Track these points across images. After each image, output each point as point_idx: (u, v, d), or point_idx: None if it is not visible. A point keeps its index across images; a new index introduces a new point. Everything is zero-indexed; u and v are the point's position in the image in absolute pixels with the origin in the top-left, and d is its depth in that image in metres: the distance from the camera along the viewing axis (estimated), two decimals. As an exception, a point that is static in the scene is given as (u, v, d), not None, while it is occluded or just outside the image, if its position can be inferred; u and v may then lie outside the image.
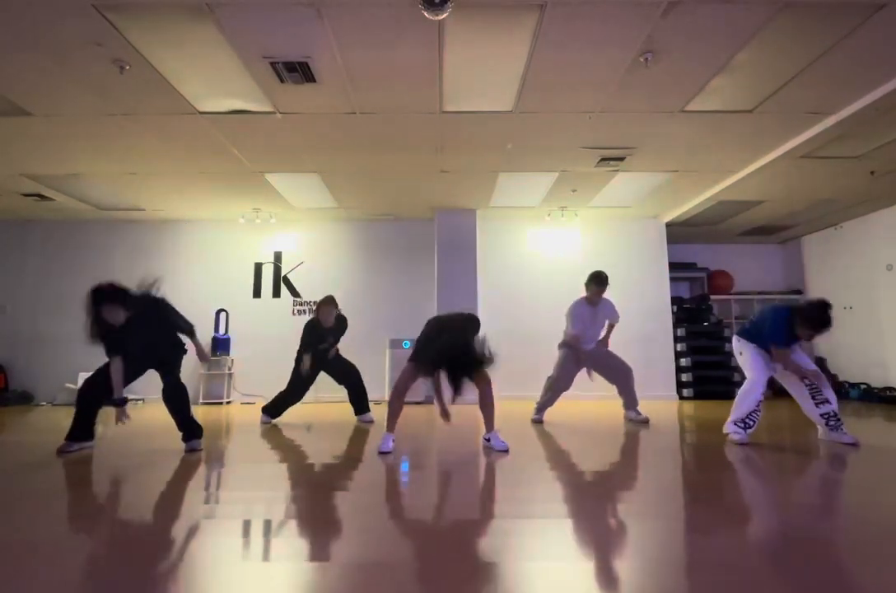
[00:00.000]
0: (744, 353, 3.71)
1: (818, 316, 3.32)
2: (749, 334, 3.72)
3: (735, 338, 3.81)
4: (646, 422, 4.57)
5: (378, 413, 5.58)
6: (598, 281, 4.65)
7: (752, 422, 3.53)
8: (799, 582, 1.39)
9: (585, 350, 4.63)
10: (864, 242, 6.85)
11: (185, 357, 3.53)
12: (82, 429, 3.35)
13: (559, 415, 4.86)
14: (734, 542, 1.70)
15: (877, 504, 2.15)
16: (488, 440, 3.36)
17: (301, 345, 4.71)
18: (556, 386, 4.67)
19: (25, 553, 1.61)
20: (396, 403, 3.33)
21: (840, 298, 7.16)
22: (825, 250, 7.55)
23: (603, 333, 4.77)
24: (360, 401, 4.82)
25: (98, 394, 3.34)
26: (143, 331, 3.23)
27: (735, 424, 3.56)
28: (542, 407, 4.73)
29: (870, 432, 4.31)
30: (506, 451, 3.21)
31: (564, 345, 4.71)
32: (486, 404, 3.34)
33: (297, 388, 4.73)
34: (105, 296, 3.09)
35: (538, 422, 4.65)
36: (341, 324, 4.82)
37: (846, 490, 2.52)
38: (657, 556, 1.59)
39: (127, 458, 3.18)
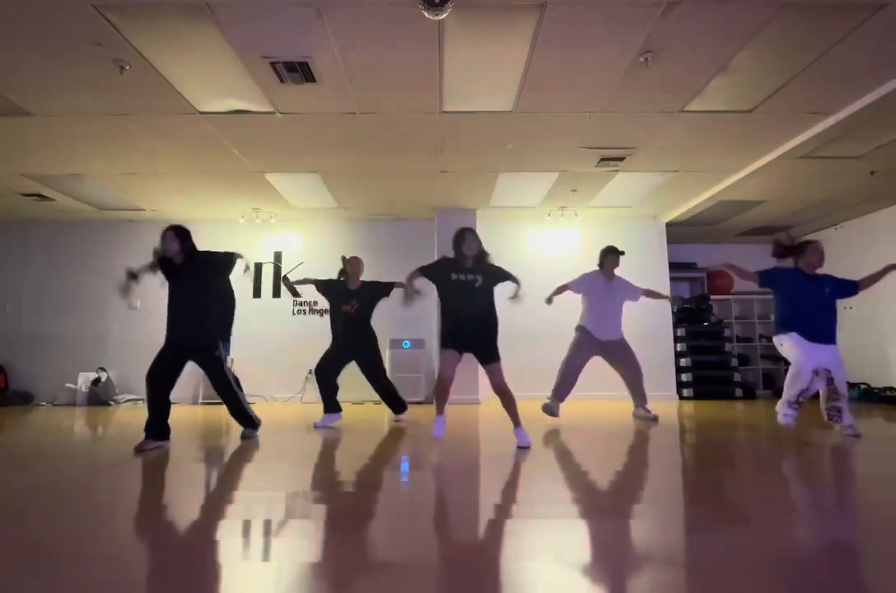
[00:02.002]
0: (784, 345, 3.71)
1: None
2: (778, 322, 3.78)
3: (775, 338, 3.84)
4: (654, 419, 4.53)
5: (378, 413, 5.59)
6: (614, 250, 4.73)
7: (801, 402, 3.55)
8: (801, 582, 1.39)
9: (600, 340, 4.56)
10: (864, 242, 6.84)
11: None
12: (157, 425, 3.38)
13: (565, 415, 4.85)
14: (739, 542, 1.70)
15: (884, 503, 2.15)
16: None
17: (314, 284, 4.79)
18: (563, 368, 4.60)
19: (28, 552, 1.61)
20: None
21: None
22: (825, 250, 7.53)
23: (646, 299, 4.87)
24: (389, 399, 4.69)
25: (164, 384, 3.41)
26: (192, 289, 3.63)
27: (788, 406, 3.55)
28: (555, 390, 4.59)
29: (870, 432, 4.30)
30: (527, 447, 3.23)
31: (562, 288, 4.78)
32: (507, 400, 3.40)
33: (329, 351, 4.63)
34: (174, 227, 3.60)
35: (550, 410, 4.50)
36: (370, 289, 4.71)
37: (850, 490, 2.52)
38: (661, 557, 1.59)
39: (128, 457, 3.18)
